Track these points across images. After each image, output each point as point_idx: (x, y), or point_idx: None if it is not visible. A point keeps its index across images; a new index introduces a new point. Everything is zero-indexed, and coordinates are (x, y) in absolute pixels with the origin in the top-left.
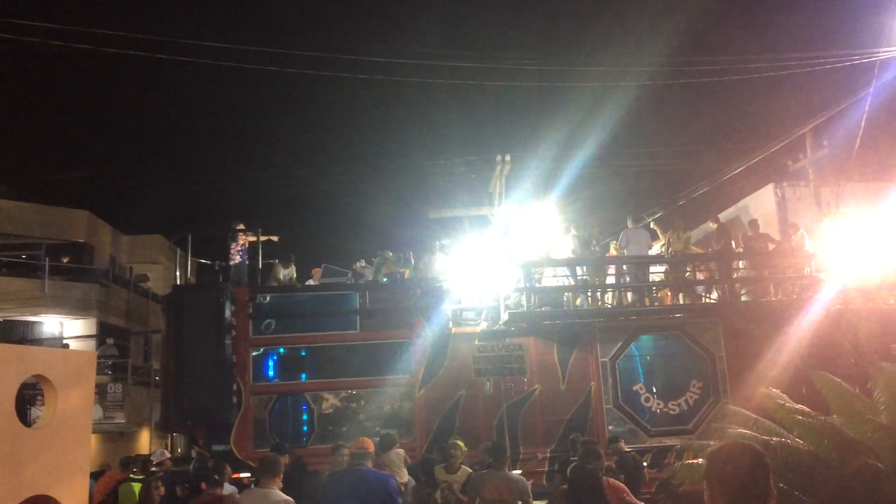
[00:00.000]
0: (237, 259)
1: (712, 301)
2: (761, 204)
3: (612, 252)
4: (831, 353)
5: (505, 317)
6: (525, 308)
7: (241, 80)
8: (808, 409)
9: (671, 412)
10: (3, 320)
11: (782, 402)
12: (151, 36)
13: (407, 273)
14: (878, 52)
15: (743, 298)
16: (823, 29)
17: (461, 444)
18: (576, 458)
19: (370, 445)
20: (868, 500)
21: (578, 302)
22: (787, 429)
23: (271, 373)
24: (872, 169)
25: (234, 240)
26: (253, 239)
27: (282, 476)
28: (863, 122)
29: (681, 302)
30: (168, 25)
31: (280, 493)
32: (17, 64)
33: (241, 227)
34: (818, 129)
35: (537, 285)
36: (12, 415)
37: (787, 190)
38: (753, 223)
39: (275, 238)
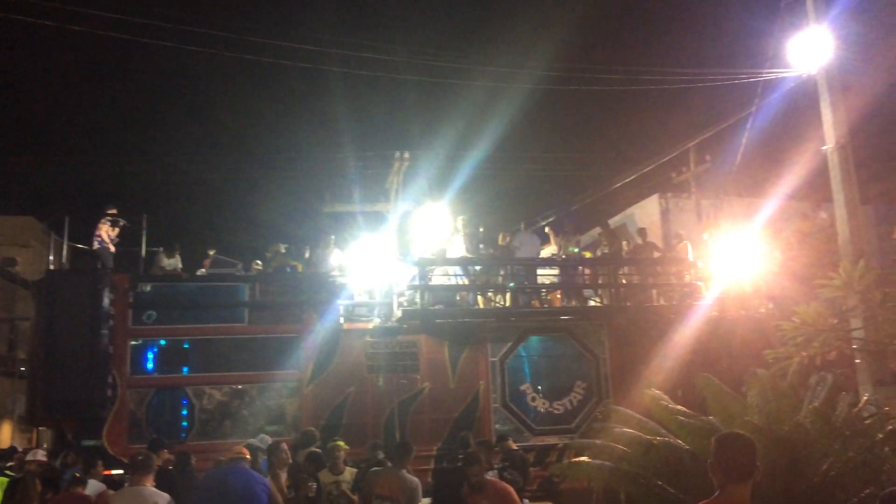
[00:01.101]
0: (96, 245)
1: (599, 304)
2: (646, 213)
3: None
4: (708, 357)
5: (398, 314)
6: (418, 306)
7: (128, 61)
8: (688, 411)
9: (556, 412)
10: None
11: (664, 402)
12: (26, 3)
13: (299, 268)
14: (762, 74)
15: (627, 303)
16: (713, 48)
17: (342, 443)
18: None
19: (247, 454)
20: None
21: (481, 302)
22: (668, 429)
23: (150, 365)
24: (749, 185)
25: (98, 225)
26: (112, 232)
27: (154, 473)
28: (743, 141)
29: (570, 304)
30: None
31: (154, 489)
32: None
33: (114, 211)
34: (702, 145)
35: (431, 283)
36: None
37: (671, 201)
38: (642, 231)
39: (121, 222)
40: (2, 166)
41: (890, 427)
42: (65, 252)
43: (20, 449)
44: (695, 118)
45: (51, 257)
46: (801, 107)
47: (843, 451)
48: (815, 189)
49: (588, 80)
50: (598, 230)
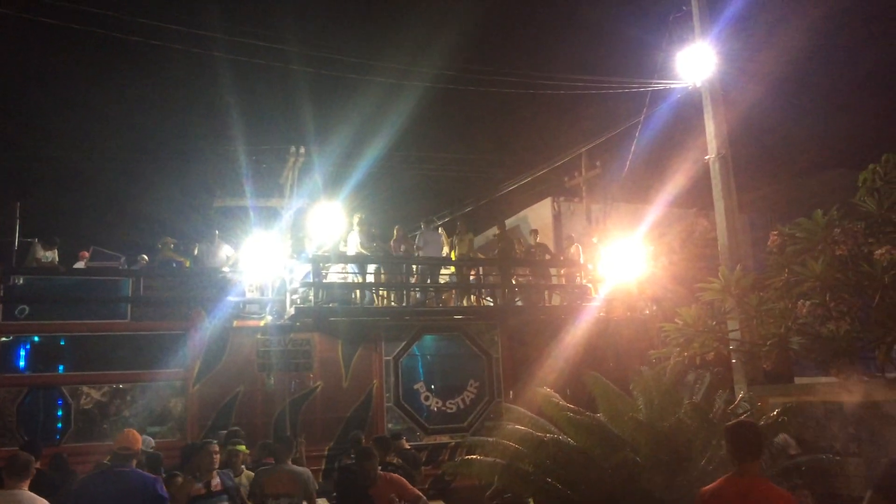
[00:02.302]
0: None
1: (492, 304)
2: (539, 216)
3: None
4: (597, 356)
5: (291, 311)
6: (312, 303)
7: (13, 35)
8: (578, 408)
9: (448, 410)
10: None
11: (555, 400)
12: None
13: (186, 263)
14: (651, 84)
15: (519, 303)
16: (606, 58)
17: (243, 448)
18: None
19: (136, 443)
20: (625, 491)
21: (376, 301)
22: (558, 426)
23: (22, 363)
24: (636, 191)
25: None
26: None
27: (31, 475)
28: (632, 149)
29: (464, 304)
30: None
31: (30, 493)
32: None
33: None
34: (593, 151)
35: (325, 281)
36: None
37: (563, 204)
38: (534, 233)
39: None
40: None
41: (763, 423)
42: None
43: None
44: (587, 125)
45: None
46: (685, 117)
47: (719, 446)
48: (697, 196)
49: (484, 81)
50: (494, 231)
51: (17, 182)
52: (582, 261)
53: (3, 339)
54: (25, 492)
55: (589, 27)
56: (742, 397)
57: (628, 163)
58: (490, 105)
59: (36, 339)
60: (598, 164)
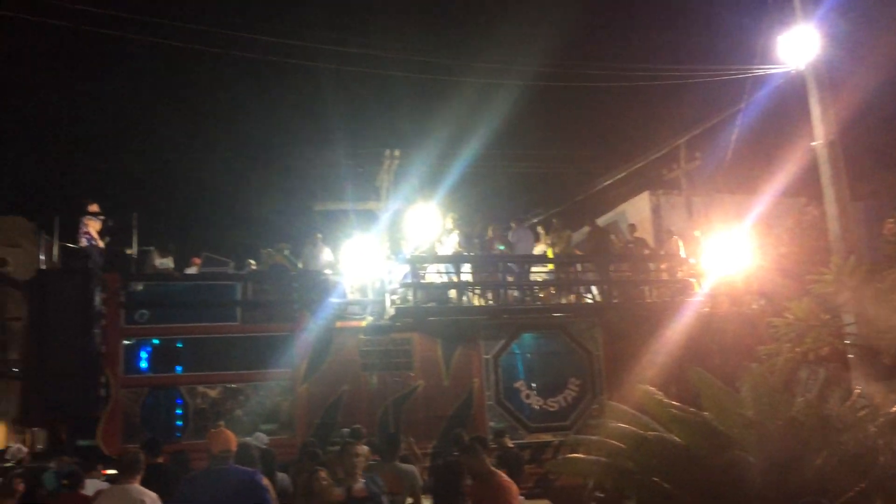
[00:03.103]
0: (84, 242)
1: (592, 301)
2: (637, 210)
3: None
4: (700, 353)
5: (391, 312)
6: (411, 303)
7: (119, 60)
8: (682, 405)
9: (550, 409)
10: None
11: (658, 397)
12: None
13: (300, 265)
14: (751, 70)
15: (617, 300)
16: (702, 44)
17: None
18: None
19: (231, 441)
20: (735, 491)
21: (475, 299)
22: (662, 424)
23: (144, 365)
24: (739, 181)
25: (83, 222)
26: (98, 226)
27: (142, 473)
28: (733, 137)
29: (562, 301)
30: None
31: (140, 488)
32: None
33: (95, 207)
34: (692, 141)
35: (423, 281)
36: None
37: (662, 198)
38: (631, 228)
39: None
40: None
41: (882, 420)
42: (55, 251)
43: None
44: (685, 115)
45: (41, 257)
46: (790, 103)
47: (836, 445)
48: (806, 185)
49: (578, 76)
50: (587, 227)
51: (134, 193)
52: (683, 255)
53: (126, 342)
54: (136, 486)
55: (685, 13)
56: (859, 394)
57: (730, 152)
58: (585, 99)
59: (155, 341)
60: (698, 154)
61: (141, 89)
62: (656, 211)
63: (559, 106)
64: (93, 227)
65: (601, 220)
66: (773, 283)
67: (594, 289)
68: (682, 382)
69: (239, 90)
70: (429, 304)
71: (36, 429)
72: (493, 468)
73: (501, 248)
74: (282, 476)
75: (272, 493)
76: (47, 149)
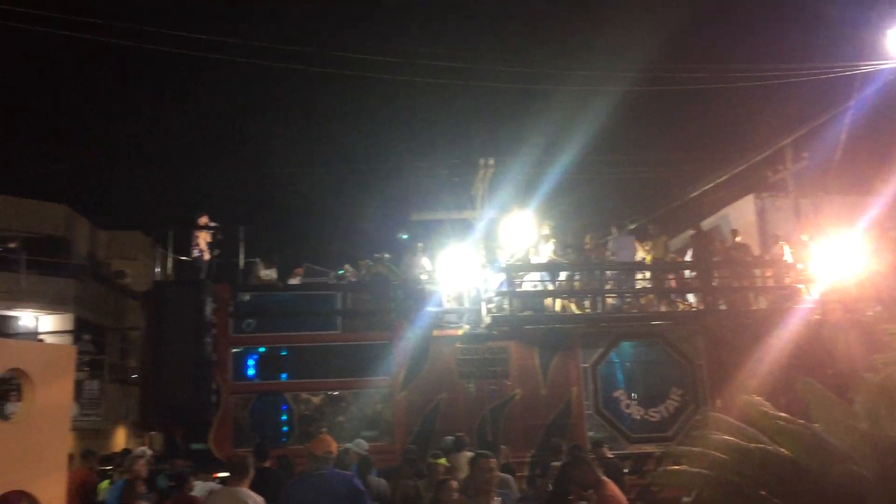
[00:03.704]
0: (195, 254)
1: (693, 309)
2: (741, 214)
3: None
4: (810, 362)
5: (487, 320)
6: (507, 312)
7: (223, 77)
8: (790, 417)
9: (651, 419)
10: None
11: (765, 409)
12: (131, 25)
13: (398, 274)
14: (860, 66)
15: (721, 307)
16: (806, 41)
17: (444, 461)
18: (558, 463)
19: (331, 446)
20: None
21: (571, 307)
22: (768, 436)
23: (251, 372)
24: (851, 182)
25: (195, 235)
26: (209, 239)
27: (251, 476)
28: (843, 136)
29: (662, 309)
30: (151, 18)
31: (248, 491)
32: None
33: (205, 220)
34: (799, 141)
35: (519, 289)
36: None
37: (767, 201)
38: (733, 233)
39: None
40: (109, 184)
41: None
42: (169, 264)
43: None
44: (791, 114)
45: (157, 269)
46: None
47: None
48: None
49: (678, 79)
50: (689, 232)
51: (240, 208)
52: (790, 260)
53: (235, 350)
54: (244, 489)
55: (789, 10)
56: None
57: (840, 152)
58: (684, 101)
59: (262, 349)
60: (805, 155)
61: (247, 106)
62: (761, 214)
63: (658, 109)
64: (203, 239)
65: (703, 225)
66: (889, 289)
67: (690, 296)
68: (790, 393)
69: (338, 104)
70: (525, 313)
71: (153, 432)
72: (603, 478)
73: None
74: (378, 481)
75: (369, 497)
76: (162, 166)
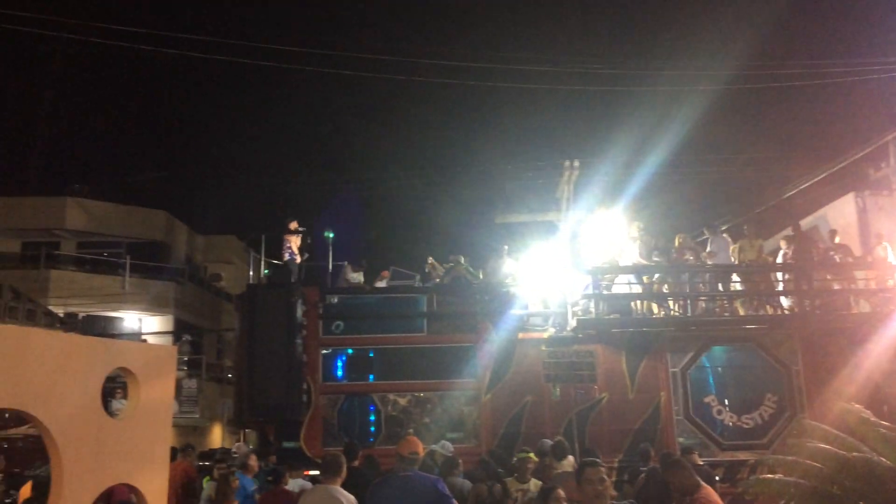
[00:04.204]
0: (286, 257)
1: (788, 312)
2: (841, 213)
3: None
4: None
5: (573, 323)
6: (593, 315)
7: (315, 85)
8: (892, 426)
9: (745, 426)
10: (86, 315)
11: (865, 416)
12: (226, 40)
13: (479, 276)
14: None
15: (819, 311)
16: None
17: (532, 455)
18: (645, 469)
19: (417, 447)
20: None
21: (655, 309)
22: (869, 445)
23: (340, 373)
24: None
25: (286, 239)
26: (299, 243)
27: (344, 475)
28: None
29: (755, 313)
30: (241, 31)
31: (341, 489)
32: (98, 69)
33: (295, 225)
34: None
35: (606, 292)
36: (98, 405)
37: (869, 199)
38: (832, 233)
39: (300, 228)
40: (208, 191)
41: None
42: (262, 267)
43: (233, 449)
44: (893, 109)
45: (250, 272)
46: None
47: None
48: None
49: (773, 76)
50: (786, 233)
51: (328, 213)
52: (893, 261)
53: (324, 351)
54: (337, 487)
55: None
56: None
57: None
58: (780, 99)
59: (350, 351)
60: None
61: (337, 114)
62: (862, 214)
63: (752, 107)
64: (294, 243)
65: (803, 225)
66: None
67: (782, 299)
68: (891, 401)
69: (426, 110)
70: (612, 316)
71: (248, 430)
72: (701, 482)
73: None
74: (462, 482)
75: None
76: (255, 173)
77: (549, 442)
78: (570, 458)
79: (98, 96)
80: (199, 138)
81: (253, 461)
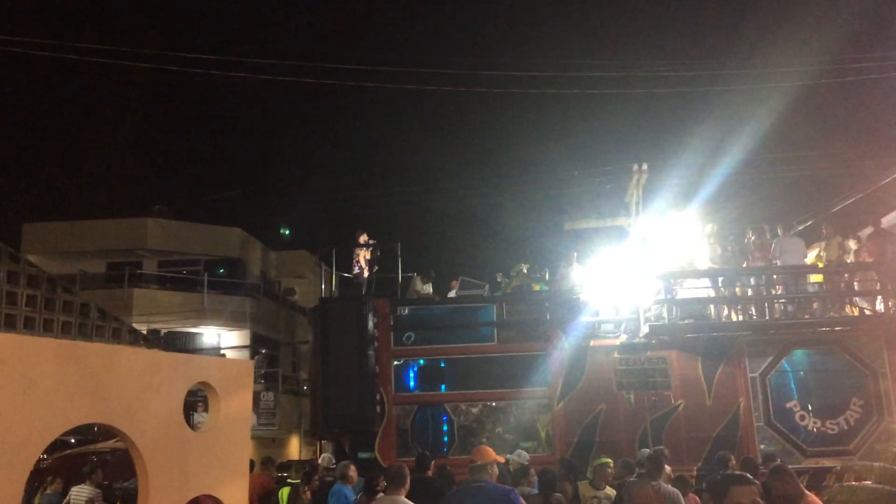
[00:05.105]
0: (356, 271)
1: (874, 313)
2: None
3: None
4: None
5: (645, 329)
6: (666, 320)
7: (382, 99)
8: None
9: (829, 431)
10: (167, 332)
11: None
12: (289, 62)
13: (537, 287)
14: None
15: None
16: None
17: (610, 461)
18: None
19: (489, 456)
20: None
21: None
22: None
23: (412, 383)
24: None
25: (355, 252)
26: (368, 256)
27: (407, 486)
28: None
29: (838, 314)
30: (305, 49)
31: (406, 500)
32: (170, 92)
33: (364, 237)
34: None
35: (678, 297)
36: (181, 419)
37: None
38: None
39: (370, 241)
40: (280, 208)
41: None
42: (334, 281)
43: (320, 461)
44: None
45: (322, 286)
46: None
47: None
48: None
49: (850, 70)
50: (868, 231)
51: (396, 224)
52: None
53: (396, 362)
54: (401, 498)
55: None
56: None
57: None
58: (859, 92)
59: (421, 361)
60: None
61: (404, 126)
62: None
63: (829, 101)
64: (363, 256)
65: (885, 222)
66: None
67: (858, 299)
68: None
69: (490, 117)
70: (686, 321)
71: (324, 441)
72: (805, 491)
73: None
74: (528, 491)
75: None
76: (325, 188)
77: (647, 451)
78: (668, 468)
79: (173, 118)
80: (271, 156)
81: (353, 472)
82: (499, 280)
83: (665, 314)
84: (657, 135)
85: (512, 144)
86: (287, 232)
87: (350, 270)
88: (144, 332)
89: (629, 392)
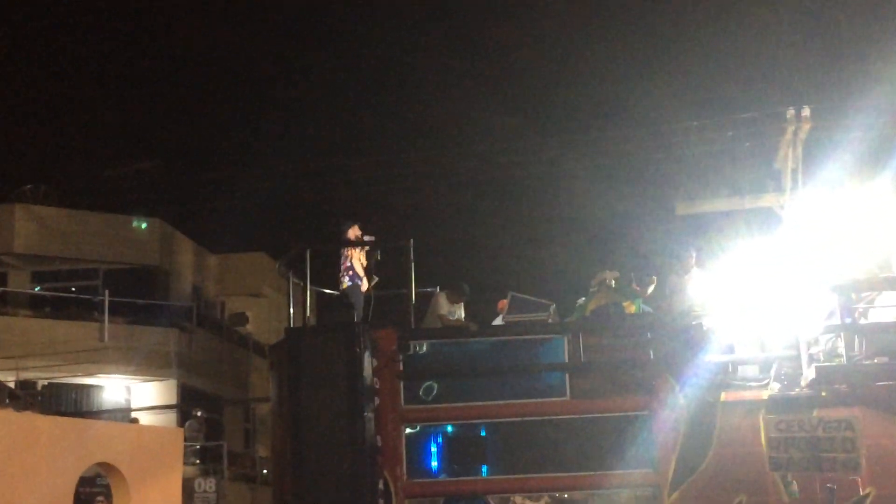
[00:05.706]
0: (345, 281)
1: None
2: None
3: None
4: None
5: (811, 374)
6: (845, 359)
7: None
8: None
9: None
10: (48, 383)
11: None
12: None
13: (632, 308)
14: None
15: None
16: None
17: None
18: None
19: None
20: None
21: None
22: None
23: (435, 464)
24: None
25: (343, 255)
26: (363, 260)
27: None
28: None
29: None
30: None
31: None
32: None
33: (357, 232)
34: None
35: (864, 321)
36: None
37: None
38: None
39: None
40: (223, 187)
41: None
42: (308, 300)
43: None
44: None
45: (290, 309)
46: None
47: None
48: None
49: None
50: None
51: (409, 211)
52: None
53: (409, 430)
54: None
55: None
56: None
57: None
58: None
59: (449, 429)
60: None
61: (415, 51)
62: None
63: None
64: (356, 260)
65: None
66: None
67: None
68: None
69: (552, 34)
70: (880, 360)
71: None
72: None
73: None
74: None
75: None
76: (293, 153)
77: None
78: None
79: (63, 75)
80: (208, 102)
81: None
82: (580, 302)
83: (843, 349)
84: (827, 60)
85: (589, 80)
86: (233, 224)
87: (335, 284)
88: (11, 383)
89: (790, 476)
